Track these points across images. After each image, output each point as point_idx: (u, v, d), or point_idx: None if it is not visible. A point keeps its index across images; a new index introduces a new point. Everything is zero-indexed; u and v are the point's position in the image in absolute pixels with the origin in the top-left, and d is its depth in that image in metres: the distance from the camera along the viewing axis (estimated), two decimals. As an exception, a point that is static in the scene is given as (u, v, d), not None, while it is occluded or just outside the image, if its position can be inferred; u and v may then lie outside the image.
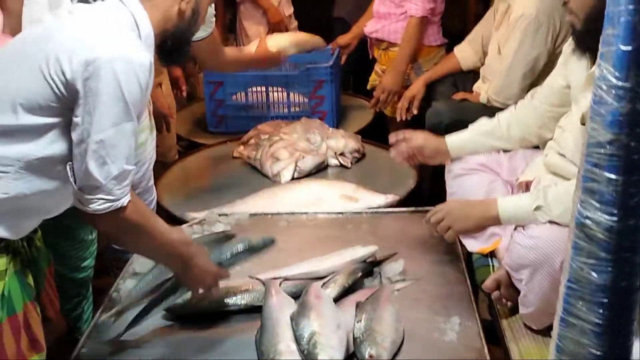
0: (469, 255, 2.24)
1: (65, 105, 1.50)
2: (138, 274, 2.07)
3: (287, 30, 4.14)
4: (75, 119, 1.49)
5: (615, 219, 0.88)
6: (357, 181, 2.68)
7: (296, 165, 2.75)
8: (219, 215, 2.40)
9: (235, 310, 1.92)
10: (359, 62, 3.85)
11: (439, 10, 3.35)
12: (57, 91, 1.48)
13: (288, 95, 3.37)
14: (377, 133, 3.39)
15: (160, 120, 3.00)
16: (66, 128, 1.54)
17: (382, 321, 1.73)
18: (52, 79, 1.48)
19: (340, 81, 3.60)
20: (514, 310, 1.95)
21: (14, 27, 2.07)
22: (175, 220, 2.39)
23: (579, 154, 0.94)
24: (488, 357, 1.69)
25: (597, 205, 0.89)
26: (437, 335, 1.78)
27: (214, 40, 2.45)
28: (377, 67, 3.56)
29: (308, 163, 2.77)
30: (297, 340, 1.65)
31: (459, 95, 2.92)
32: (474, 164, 2.25)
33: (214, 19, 2.44)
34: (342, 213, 2.46)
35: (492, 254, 2.14)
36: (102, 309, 1.96)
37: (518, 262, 1.81)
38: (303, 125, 3.00)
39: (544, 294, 1.75)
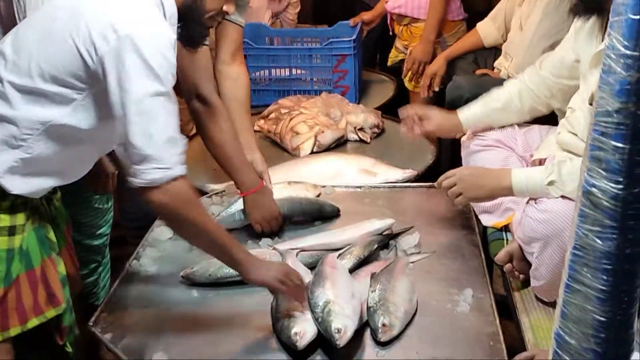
0: (484, 229, 2.25)
1: (92, 77, 1.55)
2: (158, 241, 2.12)
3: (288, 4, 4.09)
4: (110, 96, 1.52)
5: (621, 187, 0.89)
6: (375, 156, 2.70)
7: (316, 140, 2.77)
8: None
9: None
10: (381, 38, 3.85)
11: None
12: (86, 63, 1.53)
13: (311, 69, 3.38)
14: (398, 108, 3.39)
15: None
16: (90, 99, 1.59)
17: (396, 292, 1.76)
18: (82, 51, 1.52)
19: (363, 56, 3.60)
20: (526, 283, 1.97)
21: None
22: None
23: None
24: (500, 329, 1.71)
25: (604, 173, 0.91)
26: (450, 307, 1.80)
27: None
28: (398, 43, 3.56)
29: (327, 137, 2.79)
30: (312, 308, 1.68)
31: (480, 72, 2.91)
32: (490, 140, 2.25)
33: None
34: (360, 187, 2.49)
35: (506, 228, 2.15)
36: (122, 277, 2.01)
37: (530, 236, 1.82)
38: (323, 100, 3.02)
39: (554, 267, 1.77)
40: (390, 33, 3.62)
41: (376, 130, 2.93)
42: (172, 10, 1.65)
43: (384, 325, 1.66)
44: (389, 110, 3.24)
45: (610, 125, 0.89)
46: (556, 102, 2.15)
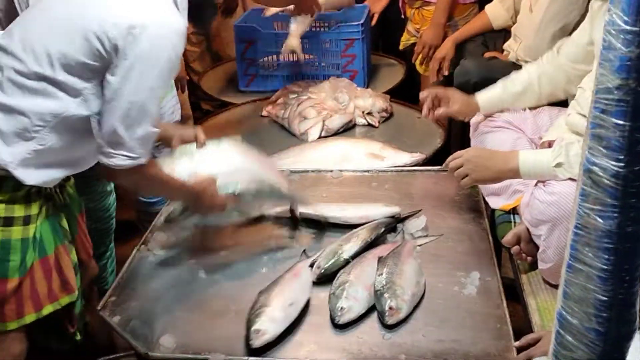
0: (492, 213, 2.24)
1: (104, 65, 1.55)
2: (166, 225, 2.13)
3: None
4: (110, 78, 1.54)
5: (621, 164, 0.88)
6: (384, 140, 2.69)
7: (324, 124, 2.76)
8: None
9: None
10: (390, 22, 3.82)
11: None
12: (97, 52, 1.54)
13: (319, 54, 3.36)
14: (408, 92, 3.38)
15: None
16: (100, 89, 1.59)
17: (403, 275, 1.76)
18: (93, 41, 1.53)
19: (371, 41, 3.58)
20: (534, 265, 1.96)
21: None
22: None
23: None
24: (507, 311, 1.71)
25: (604, 151, 0.90)
26: (457, 289, 1.80)
27: None
28: (410, 27, 3.53)
29: (335, 122, 2.79)
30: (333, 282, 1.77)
31: (489, 54, 2.89)
32: (499, 121, 2.24)
33: None
34: (367, 171, 2.48)
35: (514, 211, 2.14)
36: (130, 261, 2.02)
37: (537, 218, 1.81)
38: (331, 84, 3.01)
39: (562, 250, 1.74)
40: (402, 16, 3.59)
41: (384, 114, 2.91)
42: None
43: (391, 308, 1.67)
44: (398, 94, 3.23)
45: (611, 102, 0.88)
46: (574, 87, 2.13)
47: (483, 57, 2.88)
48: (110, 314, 1.79)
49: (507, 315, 1.69)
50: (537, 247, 1.89)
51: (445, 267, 1.90)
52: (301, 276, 1.84)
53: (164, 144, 2.07)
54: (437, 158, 2.57)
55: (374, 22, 3.66)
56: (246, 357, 1.61)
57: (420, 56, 3.32)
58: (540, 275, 1.94)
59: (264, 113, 3.03)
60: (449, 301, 1.76)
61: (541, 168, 1.82)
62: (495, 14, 3.04)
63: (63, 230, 1.77)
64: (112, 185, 2.39)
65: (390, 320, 1.66)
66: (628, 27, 0.84)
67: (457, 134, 2.99)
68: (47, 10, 1.65)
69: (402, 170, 2.48)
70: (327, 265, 1.86)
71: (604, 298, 0.95)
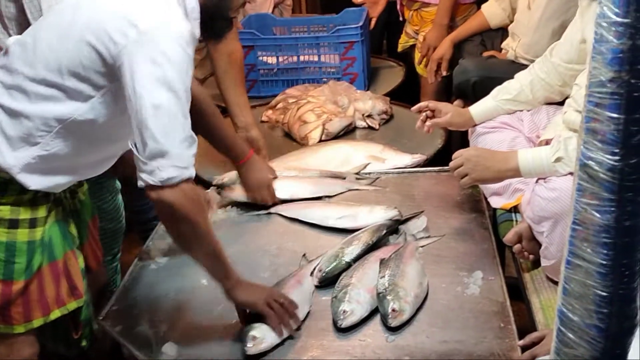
0: (494, 212, 2.23)
1: (112, 73, 1.55)
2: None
3: None
4: (127, 90, 1.50)
5: (617, 158, 0.87)
6: (384, 142, 2.68)
7: (324, 128, 2.76)
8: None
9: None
10: (388, 24, 3.82)
11: None
12: (105, 59, 1.53)
13: (319, 57, 3.36)
14: (408, 94, 3.38)
15: None
16: (110, 96, 1.59)
17: (405, 276, 1.75)
18: (100, 48, 1.52)
19: (371, 43, 3.58)
20: (536, 263, 1.95)
21: None
22: (202, 184, 2.43)
23: None
24: (510, 310, 1.70)
25: (599, 145, 0.89)
26: (460, 289, 1.79)
27: None
28: (408, 29, 3.53)
29: (335, 125, 2.78)
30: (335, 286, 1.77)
31: (487, 54, 2.88)
32: (497, 122, 2.24)
33: None
34: (368, 173, 2.47)
35: (515, 210, 2.13)
36: (132, 269, 2.02)
37: (539, 215, 1.80)
38: (331, 88, 3.00)
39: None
40: (401, 18, 3.58)
41: (385, 116, 2.91)
42: (193, 4, 1.64)
43: (394, 310, 1.66)
44: (399, 96, 3.22)
45: (605, 95, 0.87)
46: (569, 89, 2.12)
47: (482, 56, 2.87)
48: (113, 323, 1.79)
49: (511, 314, 1.68)
50: (539, 245, 1.88)
51: (447, 267, 1.89)
52: (303, 285, 1.82)
53: None
54: (438, 159, 2.57)
55: (372, 25, 3.65)
56: (249, 364, 1.61)
57: (425, 59, 3.30)
58: (543, 274, 1.93)
59: (264, 118, 3.02)
60: (452, 302, 1.75)
61: (541, 164, 1.81)
62: (491, 13, 3.03)
63: (72, 235, 1.77)
64: (118, 184, 2.39)
65: (393, 323, 1.65)
66: (619, 19, 0.83)
67: (457, 134, 2.98)
68: (57, 17, 1.65)
69: (403, 172, 2.47)
70: (328, 269, 1.86)
71: (604, 294, 0.94)
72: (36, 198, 1.66)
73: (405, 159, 2.52)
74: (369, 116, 2.87)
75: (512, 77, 2.31)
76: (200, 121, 1.95)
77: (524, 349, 1.57)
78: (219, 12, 1.71)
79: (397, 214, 2.08)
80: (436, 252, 1.97)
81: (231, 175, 2.30)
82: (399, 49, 3.63)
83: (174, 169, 1.50)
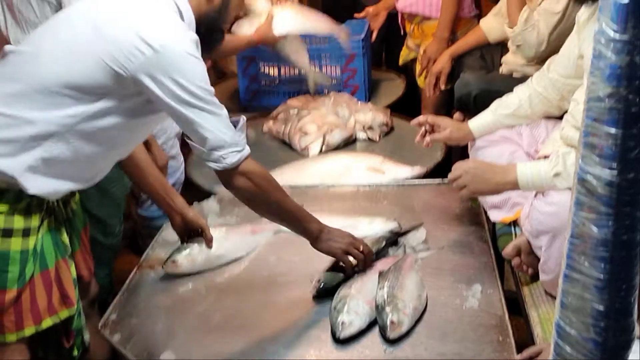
0: (493, 226, 2.24)
1: (121, 85, 1.56)
2: (167, 242, 2.13)
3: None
4: (163, 100, 1.56)
5: (615, 172, 0.88)
6: (385, 154, 2.69)
7: (324, 139, 2.77)
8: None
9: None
10: (389, 37, 3.83)
11: None
12: (117, 75, 1.54)
13: (320, 69, 3.37)
14: (408, 106, 3.39)
15: None
16: (116, 102, 1.60)
17: (404, 288, 1.75)
18: (112, 66, 1.54)
19: (372, 55, 3.60)
20: (535, 277, 1.95)
21: None
22: (205, 194, 2.44)
23: None
24: (509, 324, 1.70)
25: (597, 159, 0.89)
26: (459, 302, 1.79)
27: None
28: (410, 42, 3.54)
29: (336, 137, 2.79)
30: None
31: None
32: (496, 135, 2.25)
33: None
34: (368, 185, 2.48)
35: (515, 223, 2.14)
36: (131, 278, 2.02)
37: (538, 229, 1.81)
38: (332, 99, 3.02)
39: (563, 260, 1.75)
40: (402, 32, 3.60)
41: (385, 128, 2.92)
42: (190, 18, 1.68)
43: (392, 322, 1.66)
44: (399, 108, 3.23)
45: (603, 110, 0.88)
46: (567, 103, 2.12)
47: (482, 70, 2.88)
48: (111, 332, 1.79)
49: (510, 328, 1.68)
50: (538, 259, 1.88)
51: (446, 280, 1.89)
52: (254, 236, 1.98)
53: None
54: (438, 171, 2.58)
55: (373, 38, 3.67)
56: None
57: (425, 71, 3.31)
58: (541, 287, 1.93)
59: (265, 129, 3.03)
60: (451, 314, 1.75)
61: (539, 179, 1.81)
62: (490, 28, 3.04)
63: (64, 244, 1.78)
64: (124, 195, 2.39)
65: (392, 335, 1.65)
66: (617, 36, 0.84)
67: (457, 147, 2.98)
68: (61, 30, 1.64)
69: (403, 184, 2.48)
70: (327, 280, 1.86)
71: (601, 308, 0.94)
72: (30, 207, 1.66)
73: (405, 171, 2.53)
74: (370, 128, 2.88)
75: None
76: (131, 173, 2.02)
77: (523, 362, 1.57)
78: (214, 25, 1.76)
79: (397, 226, 2.09)
80: (435, 264, 1.97)
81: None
82: (400, 62, 3.64)
83: (234, 154, 1.66)
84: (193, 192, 2.54)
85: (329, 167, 2.59)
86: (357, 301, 1.73)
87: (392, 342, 1.65)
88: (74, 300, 1.76)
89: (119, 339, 1.76)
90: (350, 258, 1.86)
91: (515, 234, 2.11)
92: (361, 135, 2.88)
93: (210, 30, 1.75)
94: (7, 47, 1.68)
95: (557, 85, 2.16)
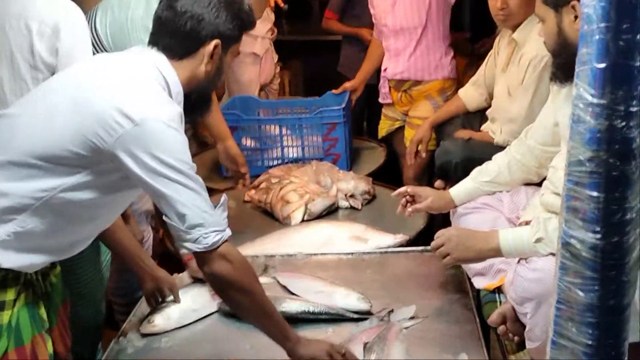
0: (478, 293, 2.21)
1: (100, 158, 1.54)
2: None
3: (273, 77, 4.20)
4: (140, 176, 1.53)
5: (598, 236, 0.88)
6: (367, 222, 2.68)
7: (306, 208, 2.76)
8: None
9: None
10: (369, 107, 3.89)
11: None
12: (96, 148, 1.53)
13: (302, 138, 3.40)
14: (390, 174, 3.40)
15: None
16: (92, 176, 1.58)
17: (390, 360, 1.72)
18: (91, 138, 1.52)
19: (353, 124, 3.63)
20: (522, 345, 1.92)
21: None
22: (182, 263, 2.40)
23: None
24: (495, 392, 1.66)
25: (581, 223, 0.89)
26: (445, 372, 1.76)
27: None
28: (391, 112, 3.58)
29: (318, 205, 2.78)
30: None
31: (465, 134, 2.91)
32: (477, 202, 2.26)
33: None
34: (351, 254, 2.46)
35: (499, 290, 2.12)
36: (108, 353, 1.96)
37: (522, 296, 1.79)
38: (313, 168, 3.02)
39: (549, 327, 1.72)
40: (383, 100, 3.62)
41: (367, 196, 2.92)
42: (178, 89, 1.67)
43: (378, 396, 1.61)
44: (381, 176, 3.25)
45: (584, 174, 0.88)
46: (545, 170, 2.14)
47: (462, 138, 2.91)
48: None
49: (496, 396, 1.65)
50: (523, 326, 1.86)
51: (432, 350, 1.86)
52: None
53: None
54: (420, 239, 2.57)
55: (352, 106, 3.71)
56: None
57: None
58: (528, 355, 1.90)
59: (247, 198, 3.02)
60: (437, 384, 1.72)
61: (522, 245, 1.81)
62: (468, 97, 3.09)
63: (41, 319, 1.72)
64: (107, 274, 2.34)
65: (378, 407, 1.61)
66: (595, 100, 0.85)
67: (440, 214, 2.99)
68: (37, 102, 1.64)
69: (386, 252, 2.46)
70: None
71: (591, 376, 0.93)
72: (6, 280, 1.61)
73: (388, 239, 2.51)
74: (352, 196, 2.88)
75: (494, 159, 2.32)
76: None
77: None
78: (205, 92, 1.75)
79: (368, 308, 2.04)
80: (420, 334, 1.94)
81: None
82: (381, 135, 3.67)
83: (215, 234, 1.57)
84: (171, 264, 2.50)
85: (312, 236, 2.57)
86: None
87: (378, 415, 1.61)
88: None
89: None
90: None
91: (500, 301, 2.08)
92: (343, 203, 2.87)
93: (201, 98, 1.74)
94: None
95: (535, 153, 2.18)
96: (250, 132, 3.40)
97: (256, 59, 4.00)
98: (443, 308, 2.06)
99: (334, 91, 3.66)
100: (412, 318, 2.00)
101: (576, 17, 1.74)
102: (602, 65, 0.84)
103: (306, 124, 3.37)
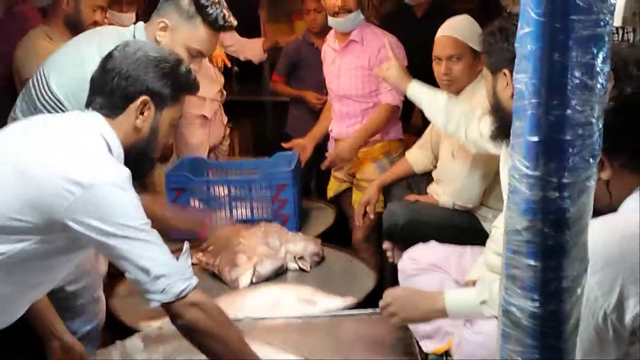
0: (426, 357, 2.21)
1: (49, 226, 1.52)
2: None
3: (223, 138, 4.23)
4: (96, 238, 1.52)
5: (537, 304, 0.89)
6: (316, 284, 2.67)
7: (254, 270, 2.73)
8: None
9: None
10: (318, 167, 3.93)
11: None
12: (43, 216, 1.51)
13: (251, 199, 3.38)
14: (339, 236, 3.41)
15: None
16: (39, 244, 1.55)
17: None
18: (38, 206, 1.50)
19: (301, 185, 3.65)
20: (470, 409, 1.92)
21: None
22: (128, 332, 2.33)
23: None
24: None
25: (520, 291, 0.91)
26: None
27: None
28: (339, 174, 3.63)
29: (267, 267, 2.76)
30: None
31: (412, 197, 2.96)
32: (425, 263, 2.28)
33: None
34: (299, 317, 2.44)
35: (447, 354, 2.12)
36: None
37: (468, 360, 1.80)
38: (262, 229, 3.01)
39: (497, 392, 1.73)
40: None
41: (316, 258, 2.91)
42: (119, 150, 1.67)
43: None
44: (329, 237, 3.25)
45: (521, 243, 0.90)
46: None
47: (408, 200, 2.95)
48: None
49: None
50: (471, 390, 1.86)
51: (381, 416, 1.84)
52: None
53: None
54: (369, 301, 2.55)
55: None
56: None
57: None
58: (478, 420, 1.90)
59: (194, 261, 2.97)
60: None
61: (467, 306, 1.83)
62: (415, 159, 3.16)
63: None
64: None
65: None
66: (530, 172, 0.87)
67: (388, 276, 3.00)
68: None
69: (334, 315, 2.44)
70: None
71: None
72: None
73: (336, 302, 2.50)
74: (301, 258, 2.87)
75: (439, 220, 2.36)
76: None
77: None
78: (143, 154, 1.75)
79: None
80: (369, 399, 1.92)
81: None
82: (330, 195, 3.70)
83: (181, 282, 1.58)
84: (115, 329, 2.44)
85: (260, 299, 2.54)
86: None
87: None
88: None
89: None
90: None
91: (448, 365, 2.09)
92: (292, 265, 2.86)
93: (140, 160, 1.74)
94: None
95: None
96: (198, 194, 3.38)
97: (205, 121, 4.02)
98: (392, 372, 2.05)
99: (284, 144, 3.68)
100: (361, 383, 1.99)
101: (507, 83, 1.81)
102: (535, 138, 0.87)
103: (255, 185, 3.37)
